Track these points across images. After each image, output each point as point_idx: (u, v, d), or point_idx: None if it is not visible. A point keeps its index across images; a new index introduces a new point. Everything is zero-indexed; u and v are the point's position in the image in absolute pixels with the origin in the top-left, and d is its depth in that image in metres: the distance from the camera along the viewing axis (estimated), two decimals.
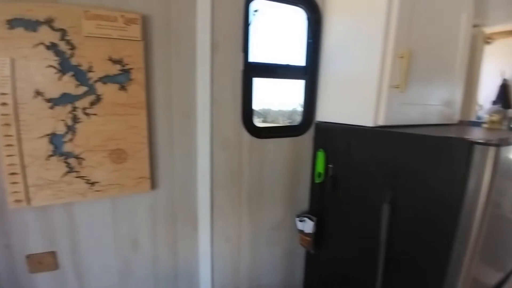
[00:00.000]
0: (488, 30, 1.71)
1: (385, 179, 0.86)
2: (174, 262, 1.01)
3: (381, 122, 0.90)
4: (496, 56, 1.83)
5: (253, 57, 1.03)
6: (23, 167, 0.71)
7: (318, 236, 1.17)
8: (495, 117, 1.10)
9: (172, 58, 0.89)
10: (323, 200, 1.14)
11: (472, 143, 0.65)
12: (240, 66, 0.98)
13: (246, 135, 1.03)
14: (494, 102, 1.52)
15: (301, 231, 1.19)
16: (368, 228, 0.92)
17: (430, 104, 1.04)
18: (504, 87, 1.73)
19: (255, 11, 1.00)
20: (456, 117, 1.16)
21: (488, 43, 1.85)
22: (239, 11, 0.95)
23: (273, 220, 1.19)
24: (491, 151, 0.63)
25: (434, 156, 0.73)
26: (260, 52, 1.08)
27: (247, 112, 1.03)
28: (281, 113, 1.37)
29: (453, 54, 1.06)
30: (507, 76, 1.77)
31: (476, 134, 0.81)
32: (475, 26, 1.60)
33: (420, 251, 0.79)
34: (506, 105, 1.58)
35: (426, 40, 0.94)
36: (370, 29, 0.90)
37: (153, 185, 0.90)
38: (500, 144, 0.63)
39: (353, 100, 0.98)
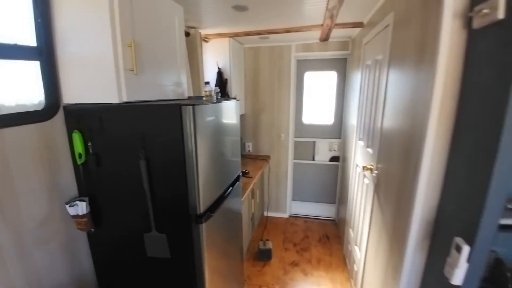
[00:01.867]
0: (203, 32, 2.40)
1: (138, 142, 1.09)
2: None
3: (125, 98, 1.10)
4: (213, 51, 2.61)
5: None
6: None
7: (95, 214, 1.23)
8: (208, 92, 1.67)
9: None
10: (91, 178, 1.20)
11: (180, 106, 1.02)
12: None
13: None
14: (207, 83, 2.19)
15: (76, 216, 1.19)
16: (135, 186, 1.13)
17: (164, 84, 1.38)
18: (219, 73, 2.54)
19: None
20: (186, 94, 1.61)
21: (206, 41, 2.59)
22: None
23: (37, 218, 1.08)
24: (189, 109, 1.02)
25: (162, 118, 1.05)
26: None
27: None
28: None
29: (173, 48, 1.44)
30: (220, 66, 2.59)
31: (189, 102, 1.24)
32: (193, 27, 2.19)
33: (171, 186, 1.12)
34: (220, 85, 2.37)
35: (149, 35, 1.23)
36: (99, 20, 1.03)
37: None
38: (194, 104, 1.04)
39: (98, 81, 1.09)
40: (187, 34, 2.12)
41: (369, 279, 1.67)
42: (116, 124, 1.11)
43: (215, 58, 2.58)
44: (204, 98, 1.67)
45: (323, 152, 3.15)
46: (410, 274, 1.12)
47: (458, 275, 0.84)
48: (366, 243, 1.77)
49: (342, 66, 2.90)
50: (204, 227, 1.14)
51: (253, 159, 3.01)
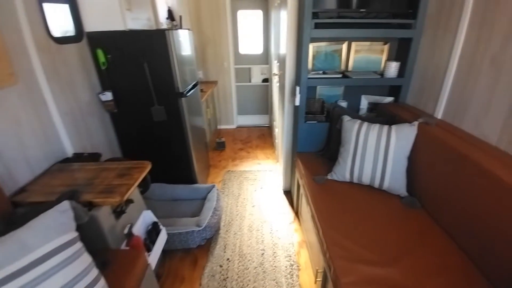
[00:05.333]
0: None
1: (140, 53, 1.95)
2: (41, 124, 1.56)
3: (128, 27, 1.92)
4: None
5: None
6: None
7: (116, 100, 2.11)
8: (170, 25, 2.47)
9: None
10: (111, 77, 2.05)
11: (164, 30, 1.89)
12: None
13: (53, 43, 1.63)
14: (168, 18, 2.93)
15: (106, 101, 2.06)
16: (141, 79, 2.02)
17: (142, 18, 2.16)
18: (169, 11, 3.22)
19: None
20: (154, 27, 2.40)
21: None
22: None
23: (86, 100, 1.94)
24: (170, 32, 1.90)
25: (155, 38, 1.92)
26: None
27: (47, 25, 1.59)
28: None
29: None
30: (169, 5, 3.25)
31: (165, 29, 2.08)
32: None
33: (164, 77, 2.04)
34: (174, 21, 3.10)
35: None
36: None
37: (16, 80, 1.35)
38: (171, 29, 1.92)
39: (108, 16, 1.87)
40: None
41: (279, 140, 2.95)
42: (125, 43, 1.94)
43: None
44: None
45: (257, 75, 4.21)
46: (288, 114, 2.34)
47: (297, 100, 2.04)
48: (277, 120, 3.00)
49: (265, 6, 3.79)
50: (184, 100, 2.14)
51: (205, 83, 3.94)
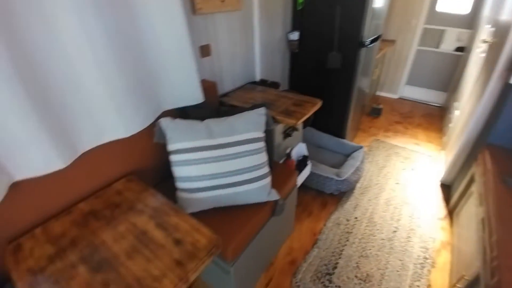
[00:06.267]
0: None
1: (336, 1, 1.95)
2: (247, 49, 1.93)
3: None
4: None
5: None
6: None
7: (300, 41, 2.28)
8: None
9: None
10: (304, 18, 2.19)
11: None
12: None
13: None
14: None
15: (291, 40, 2.27)
16: (329, 23, 2.05)
17: None
18: None
19: None
20: None
21: None
22: None
23: (278, 36, 2.20)
24: None
25: None
26: None
27: None
28: None
29: None
30: None
31: None
32: None
33: (352, 24, 1.99)
34: None
35: None
36: None
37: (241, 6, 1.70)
38: None
39: None
40: None
41: (458, 124, 2.39)
42: None
43: None
44: None
45: (450, 41, 3.38)
46: (490, 94, 1.81)
47: None
48: (464, 100, 2.40)
49: None
50: (364, 50, 2.05)
51: (381, 41, 3.56)
